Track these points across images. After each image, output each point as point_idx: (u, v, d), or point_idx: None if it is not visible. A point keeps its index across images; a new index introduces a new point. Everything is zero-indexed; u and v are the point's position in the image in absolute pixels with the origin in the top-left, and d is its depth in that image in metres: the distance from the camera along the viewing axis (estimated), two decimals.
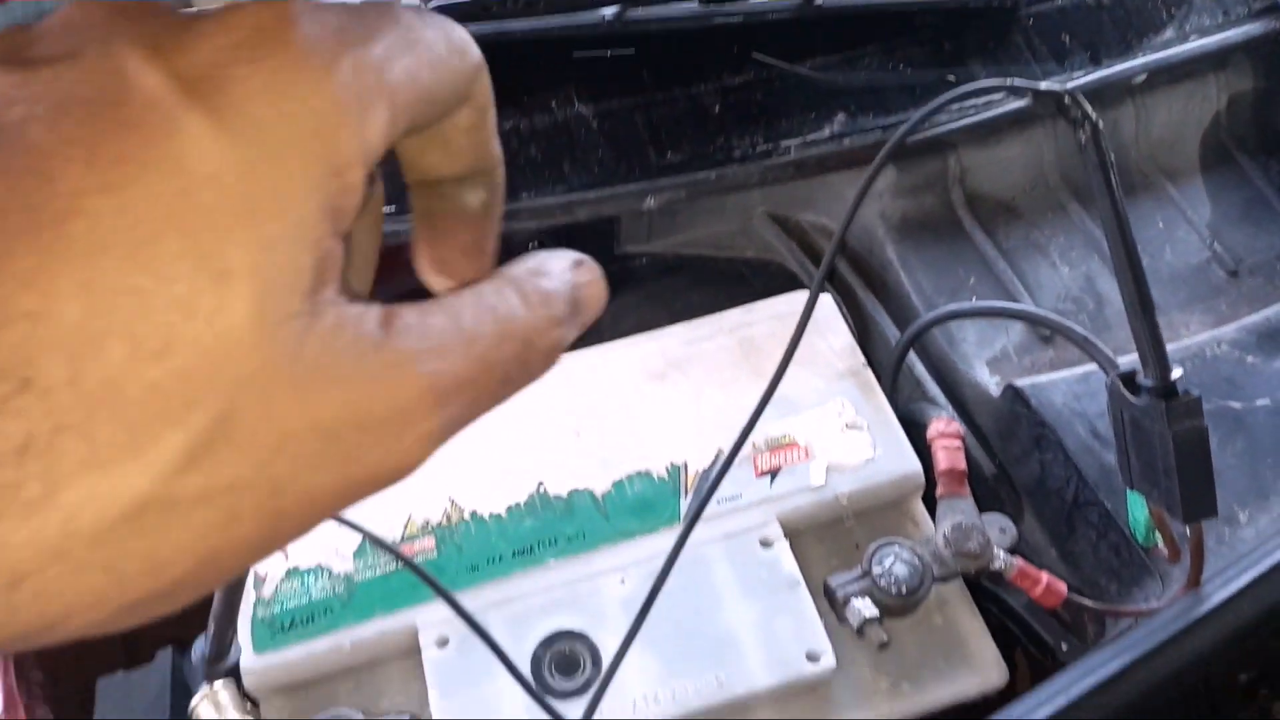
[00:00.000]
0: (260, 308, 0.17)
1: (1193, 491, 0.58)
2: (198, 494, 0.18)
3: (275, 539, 0.19)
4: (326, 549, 0.70)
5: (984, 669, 0.68)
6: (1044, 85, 0.54)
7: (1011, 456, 0.82)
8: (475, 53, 0.23)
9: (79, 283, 0.17)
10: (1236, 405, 0.77)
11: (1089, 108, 0.54)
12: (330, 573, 0.69)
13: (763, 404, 0.61)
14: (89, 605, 0.18)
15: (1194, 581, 0.63)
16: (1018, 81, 0.56)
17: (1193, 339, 0.82)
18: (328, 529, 0.66)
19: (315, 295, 0.18)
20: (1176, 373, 0.59)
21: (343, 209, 0.19)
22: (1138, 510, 0.69)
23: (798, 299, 0.82)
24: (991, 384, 0.83)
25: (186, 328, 0.17)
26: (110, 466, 0.17)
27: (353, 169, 0.19)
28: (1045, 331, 0.87)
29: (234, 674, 0.67)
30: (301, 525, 0.19)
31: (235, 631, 0.68)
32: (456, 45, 0.22)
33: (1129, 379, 0.62)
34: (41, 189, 0.17)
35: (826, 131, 0.89)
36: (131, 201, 0.17)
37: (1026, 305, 0.87)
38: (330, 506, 0.20)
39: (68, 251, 0.17)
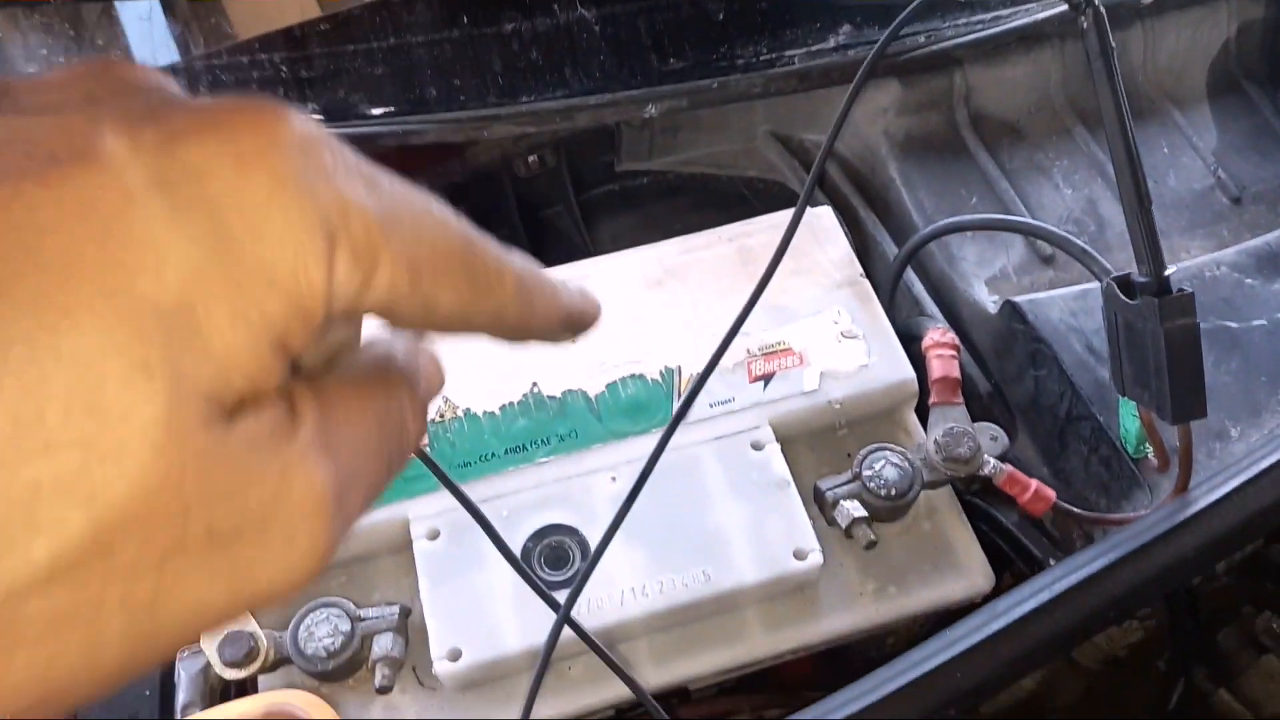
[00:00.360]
0: (173, 415, 0.16)
1: (1182, 391, 0.58)
2: (56, 614, 0.15)
3: (144, 663, 0.17)
4: None
5: (970, 574, 0.69)
6: None
7: (1007, 375, 0.82)
8: (505, 290, 0.21)
9: None
10: (1233, 325, 0.77)
11: None
12: None
13: (752, 300, 0.61)
14: None
15: (1181, 487, 0.63)
16: None
17: (1192, 261, 0.82)
18: None
19: (236, 408, 0.17)
20: (1170, 270, 0.59)
21: (291, 341, 0.18)
22: (1129, 420, 0.69)
23: None
24: (989, 302, 0.83)
25: (85, 424, 0.15)
26: None
27: (311, 310, 0.17)
28: (1045, 251, 0.86)
29: None
30: (173, 647, 0.18)
31: None
32: (483, 279, 0.20)
33: (1124, 282, 0.62)
34: None
35: (831, 43, 0.88)
36: (52, 272, 0.15)
37: (1024, 218, 0.87)
38: (209, 623, 0.18)
39: None
